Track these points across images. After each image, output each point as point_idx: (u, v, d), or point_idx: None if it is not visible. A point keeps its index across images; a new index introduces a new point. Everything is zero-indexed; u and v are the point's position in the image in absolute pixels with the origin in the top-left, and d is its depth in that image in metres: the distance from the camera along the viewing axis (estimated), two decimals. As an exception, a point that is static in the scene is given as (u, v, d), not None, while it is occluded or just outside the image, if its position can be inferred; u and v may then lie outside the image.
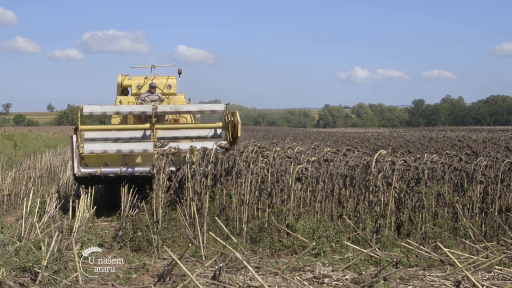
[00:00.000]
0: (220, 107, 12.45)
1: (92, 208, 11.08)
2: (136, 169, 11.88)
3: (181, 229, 9.22)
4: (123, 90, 15.20)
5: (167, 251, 7.67)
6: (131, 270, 7.61)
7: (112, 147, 11.96)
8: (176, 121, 14.10)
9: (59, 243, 7.66)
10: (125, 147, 11.99)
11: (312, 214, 9.68)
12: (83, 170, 11.77)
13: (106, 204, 13.23)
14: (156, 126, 12.28)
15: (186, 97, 15.10)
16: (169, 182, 9.62)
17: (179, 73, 15.34)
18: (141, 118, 13.41)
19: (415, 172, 9.71)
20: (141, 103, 13.74)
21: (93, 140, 12.19)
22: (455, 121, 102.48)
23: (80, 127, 11.86)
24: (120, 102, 14.14)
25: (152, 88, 14.17)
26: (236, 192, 9.69)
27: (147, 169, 11.68)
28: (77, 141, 11.64)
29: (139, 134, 12.48)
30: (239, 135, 11.76)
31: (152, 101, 13.85)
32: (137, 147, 11.97)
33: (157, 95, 14.16)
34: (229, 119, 12.16)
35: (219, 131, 12.56)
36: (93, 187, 12.07)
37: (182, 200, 9.67)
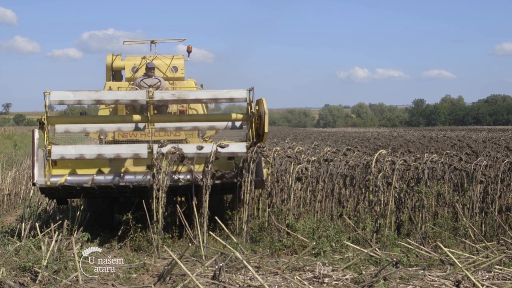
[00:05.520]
0: (241, 93, 9.36)
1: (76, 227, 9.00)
2: (127, 177, 9.27)
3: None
4: (115, 74, 11.92)
5: (167, 251, 7.67)
6: (131, 270, 7.60)
7: (90, 151, 9.15)
8: (182, 113, 11.01)
9: (59, 243, 7.66)
10: (109, 151, 9.16)
11: (312, 213, 9.68)
12: (52, 179, 9.03)
13: (89, 221, 9.68)
14: (152, 119, 9.34)
15: (198, 83, 11.79)
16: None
17: (188, 51, 12.05)
18: (135, 109, 10.34)
19: (415, 172, 9.72)
20: (136, 90, 10.38)
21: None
22: (455, 121, 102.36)
23: (45, 119, 9.03)
24: (110, 89, 10.88)
25: (150, 70, 10.80)
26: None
27: (140, 177, 9.18)
28: (39, 138, 8.98)
29: (129, 130, 9.79)
30: (266, 130, 8.99)
31: (149, 86, 10.46)
32: (126, 150, 9.14)
33: (157, 78, 10.87)
34: (253, 109, 9.32)
35: (238, 124, 9.72)
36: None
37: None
